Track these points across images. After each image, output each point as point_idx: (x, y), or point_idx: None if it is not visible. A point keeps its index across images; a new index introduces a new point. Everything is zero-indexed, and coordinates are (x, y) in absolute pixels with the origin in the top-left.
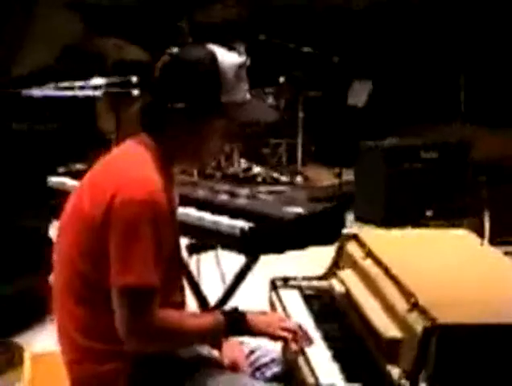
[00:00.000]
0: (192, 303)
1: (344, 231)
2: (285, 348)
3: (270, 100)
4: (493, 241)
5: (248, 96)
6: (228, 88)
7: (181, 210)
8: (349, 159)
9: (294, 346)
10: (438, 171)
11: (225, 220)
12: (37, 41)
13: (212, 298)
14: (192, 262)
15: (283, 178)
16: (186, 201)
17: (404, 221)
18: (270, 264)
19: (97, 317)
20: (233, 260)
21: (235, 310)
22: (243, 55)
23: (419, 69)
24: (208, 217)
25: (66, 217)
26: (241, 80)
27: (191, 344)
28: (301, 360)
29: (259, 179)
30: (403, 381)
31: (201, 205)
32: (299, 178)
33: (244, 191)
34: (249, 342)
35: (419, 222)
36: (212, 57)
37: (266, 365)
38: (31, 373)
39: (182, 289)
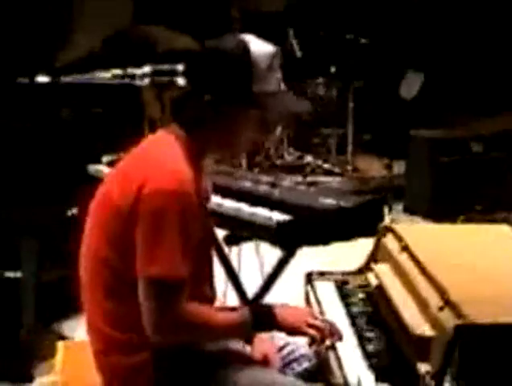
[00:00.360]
0: (231, 295)
1: (383, 224)
2: (311, 344)
3: (321, 90)
4: None
5: (281, 86)
6: (260, 78)
7: (219, 201)
8: (401, 150)
9: (318, 345)
10: (488, 163)
11: (261, 212)
12: (86, 26)
13: (253, 289)
14: (234, 253)
15: (333, 169)
16: (225, 192)
17: (452, 214)
18: (309, 257)
19: (124, 308)
20: (274, 250)
21: (263, 305)
22: (293, 42)
23: (472, 59)
24: (245, 208)
25: (95, 206)
26: (273, 70)
27: (217, 339)
28: (331, 356)
29: (308, 169)
30: (428, 380)
31: (240, 196)
32: (348, 169)
33: (284, 182)
34: (281, 336)
35: (467, 215)
36: (244, 47)
37: (296, 360)
38: (63, 361)
39: (212, 283)
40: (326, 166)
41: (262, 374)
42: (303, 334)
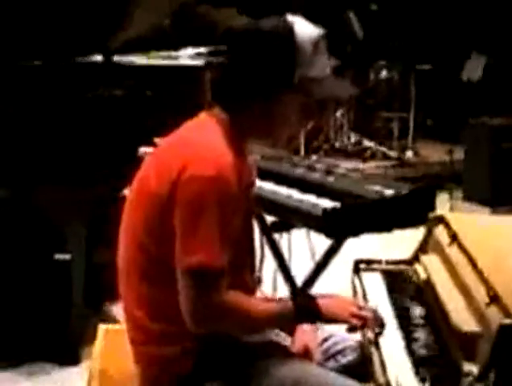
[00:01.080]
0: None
1: (434, 213)
2: (350, 330)
3: (384, 72)
4: None
5: (327, 71)
6: (304, 61)
7: (266, 185)
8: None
9: (364, 334)
10: None
11: (308, 199)
12: (146, 5)
13: (302, 277)
14: (284, 240)
15: (393, 154)
16: (276, 178)
17: None
18: (359, 245)
19: (161, 296)
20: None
21: (307, 296)
22: (355, 24)
23: None
24: (293, 195)
25: (133, 191)
26: (319, 54)
27: (257, 330)
28: (373, 350)
29: (368, 154)
30: (472, 381)
31: (291, 182)
32: (409, 154)
33: (338, 169)
34: (324, 328)
35: None
36: (290, 29)
37: (340, 353)
38: (102, 347)
39: (253, 272)
40: (386, 151)
41: (302, 367)
42: (345, 322)
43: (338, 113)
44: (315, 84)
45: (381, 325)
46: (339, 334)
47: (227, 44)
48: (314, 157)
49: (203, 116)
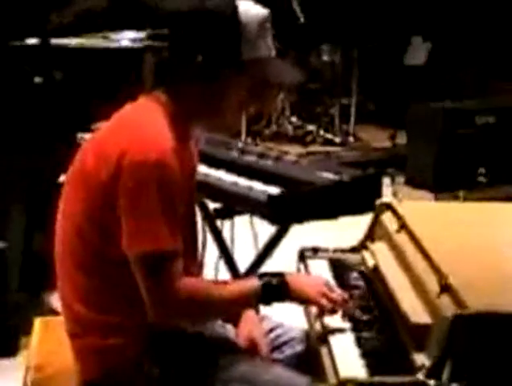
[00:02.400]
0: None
1: (381, 200)
2: (320, 315)
3: (326, 57)
4: None
5: (272, 52)
6: (249, 42)
7: (209, 172)
8: (405, 120)
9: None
10: (494, 137)
11: (253, 184)
12: None
13: (245, 264)
14: (227, 226)
15: (335, 139)
16: (215, 162)
17: (456, 187)
18: (305, 232)
19: (100, 286)
20: (269, 224)
21: (273, 273)
22: (296, 7)
23: (480, 27)
24: (236, 181)
25: (71, 177)
26: (264, 36)
27: (223, 314)
28: (321, 342)
29: (309, 139)
30: (424, 372)
31: (231, 167)
32: (350, 139)
33: (277, 154)
34: (271, 318)
35: (471, 188)
36: (234, 8)
37: (286, 343)
38: (39, 339)
39: (196, 259)
40: (328, 135)
41: (248, 361)
42: (317, 305)
43: (280, 97)
44: (260, 65)
45: (352, 312)
46: (286, 325)
47: (169, 25)
48: (255, 141)
49: (142, 100)
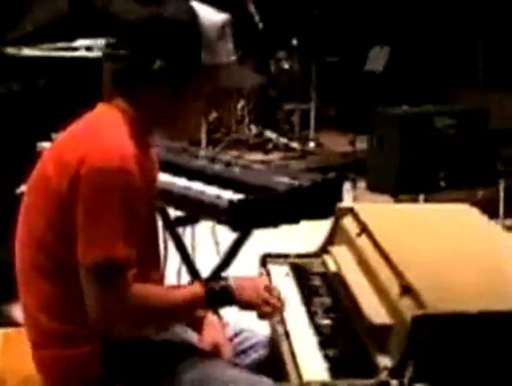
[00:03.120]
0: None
1: (341, 204)
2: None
3: (285, 64)
4: (508, 213)
5: (232, 58)
6: (209, 47)
7: (168, 178)
8: (365, 126)
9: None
10: (453, 140)
11: (212, 191)
12: None
13: (208, 271)
14: (188, 233)
15: (295, 145)
16: (175, 169)
17: (416, 191)
18: (264, 239)
19: (62, 295)
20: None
21: (218, 278)
22: (254, 13)
23: (438, 34)
24: (195, 187)
25: (31, 187)
26: (224, 41)
27: (171, 321)
28: (284, 345)
29: (270, 146)
30: (386, 373)
31: (192, 174)
32: (311, 145)
33: (240, 161)
34: (235, 324)
35: (432, 191)
36: (193, 14)
37: (250, 349)
38: (2, 351)
39: (159, 266)
40: (288, 142)
41: (209, 366)
42: (257, 310)
43: (239, 105)
44: (220, 71)
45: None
46: (249, 330)
47: (128, 33)
48: (216, 149)
49: (102, 107)
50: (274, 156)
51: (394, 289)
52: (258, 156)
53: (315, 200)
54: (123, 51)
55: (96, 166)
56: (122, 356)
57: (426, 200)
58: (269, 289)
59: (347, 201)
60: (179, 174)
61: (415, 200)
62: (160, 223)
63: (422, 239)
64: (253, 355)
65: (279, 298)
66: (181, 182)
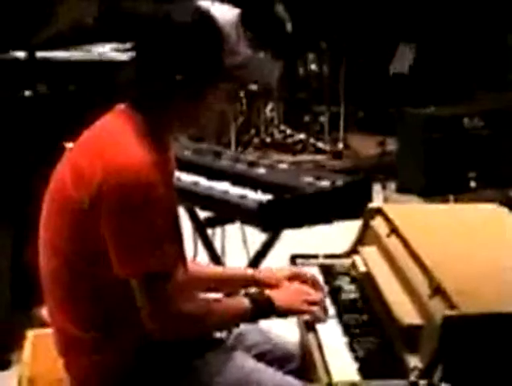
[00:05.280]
0: None
1: (371, 205)
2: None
3: (313, 66)
4: None
5: (249, 52)
6: (230, 49)
7: (199, 180)
8: (394, 127)
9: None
10: (482, 140)
11: (242, 192)
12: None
13: None
14: (218, 234)
15: (324, 146)
16: (206, 171)
17: (446, 192)
18: (297, 239)
19: (85, 305)
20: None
21: (261, 293)
22: (283, 15)
23: (464, 35)
24: (225, 189)
25: (49, 200)
26: (241, 37)
27: (216, 331)
28: (313, 344)
29: (299, 147)
30: (416, 374)
31: (222, 176)
32: (340, 147)
33: (269, 162)
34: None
35: (462, 192)
36: (210, 17)
37: (281, 359)
38: (31, 353)
39: (186, 266)
40: (317, 144)
41: (241, 365)
42: (306, 313)
43: (269, 107)
44: (242, 68)
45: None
46: (279, 336)
47: (149, 40)
48: (245, 151)
49: (118, 114)
50: (303, 158)
51: (424, 289)
52: (287, 158)
53: (344, 201)
54: (143, 58)
55: (118, 183)
56: (151, 359)
57: (456, 200)
58: (305, 291)
59: (377, 202)
60: (210, 175)
61: (445, 201)
62: (190, 224)
63: (451, 239)
64: (290, 366)
65: (317, 286)
66: (211, 183)
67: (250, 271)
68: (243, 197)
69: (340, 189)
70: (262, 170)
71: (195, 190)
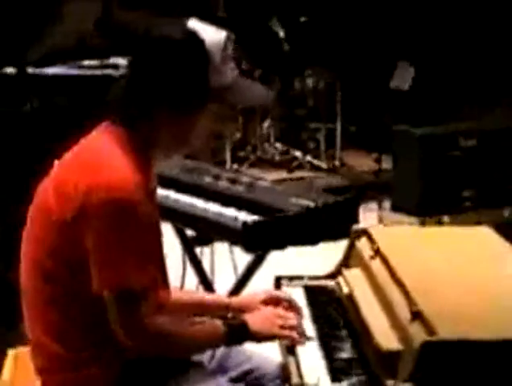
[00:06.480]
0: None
1: (356, 226)
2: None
3: (310, 82)
4: None
5: (237, 74)
6: (217, 70)
7: (187, 199)
8: (390, 145)
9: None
10: (478, 160)
11: (227, 212)
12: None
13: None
14: (206, 253)
15: (320, 163)
16: (195, 191)
17: (441, 211)
18: (280, 260)
19: (66, 321)
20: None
21: (235, 318)
22: (280, 32)
23: (463, 52)
24: (212, 208)
25: (32, 213)
26: (228, 60)
27: (190, 351)
28: (293, 367)
29: (295, 164)
30: None
31: (209, 195)
32: (336, 164)
33: (249, 180)
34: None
35: (457, 212)
36: (196, 37)
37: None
38: (11, 372)
39: (167, 284)
40: (313, 160)
41: None
42: (283, 338)
43: (265, 124)
44: (229, 90)
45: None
46: (261, 358)
47: (135, 56)
48: (241, 168)
49: (103, 131)
50: (299, 175)
51: (404, 313)
52: (282, 174)
53: (329, 222)
54: (132, 74)
55: (103, 199)
56: (132, 375)
57: (450, 220)
58: (280, 314)
59: (372, 221)
60: (196, 194)
61: (440, 221)
62: (178, 243)
63: (435, 263)
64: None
65: (294, 308)
66: (197, 202)
67: (227, 300)
68: (229, 216)
69: (324, 209)
70: (246, 189)
71: (183, 209)
